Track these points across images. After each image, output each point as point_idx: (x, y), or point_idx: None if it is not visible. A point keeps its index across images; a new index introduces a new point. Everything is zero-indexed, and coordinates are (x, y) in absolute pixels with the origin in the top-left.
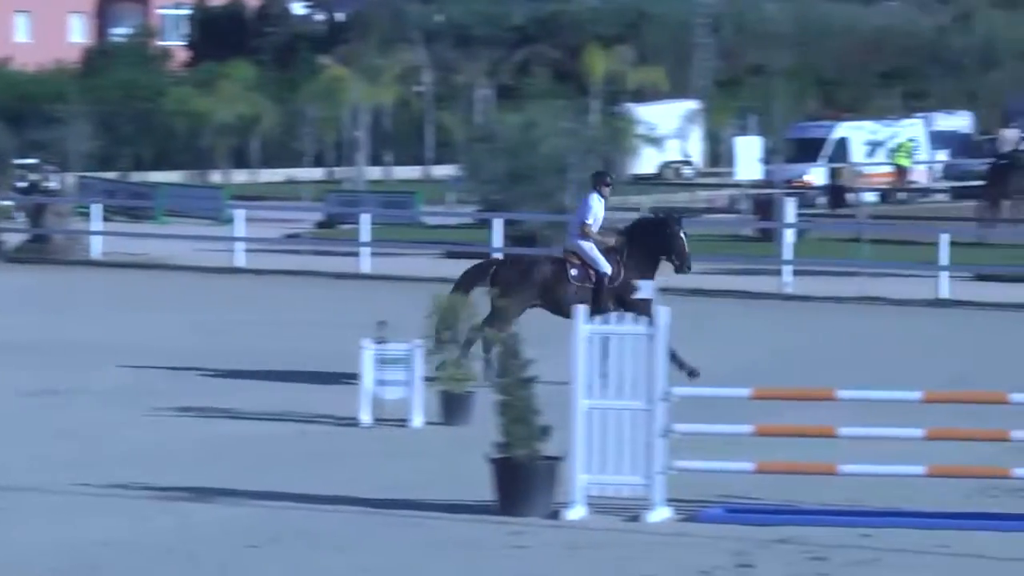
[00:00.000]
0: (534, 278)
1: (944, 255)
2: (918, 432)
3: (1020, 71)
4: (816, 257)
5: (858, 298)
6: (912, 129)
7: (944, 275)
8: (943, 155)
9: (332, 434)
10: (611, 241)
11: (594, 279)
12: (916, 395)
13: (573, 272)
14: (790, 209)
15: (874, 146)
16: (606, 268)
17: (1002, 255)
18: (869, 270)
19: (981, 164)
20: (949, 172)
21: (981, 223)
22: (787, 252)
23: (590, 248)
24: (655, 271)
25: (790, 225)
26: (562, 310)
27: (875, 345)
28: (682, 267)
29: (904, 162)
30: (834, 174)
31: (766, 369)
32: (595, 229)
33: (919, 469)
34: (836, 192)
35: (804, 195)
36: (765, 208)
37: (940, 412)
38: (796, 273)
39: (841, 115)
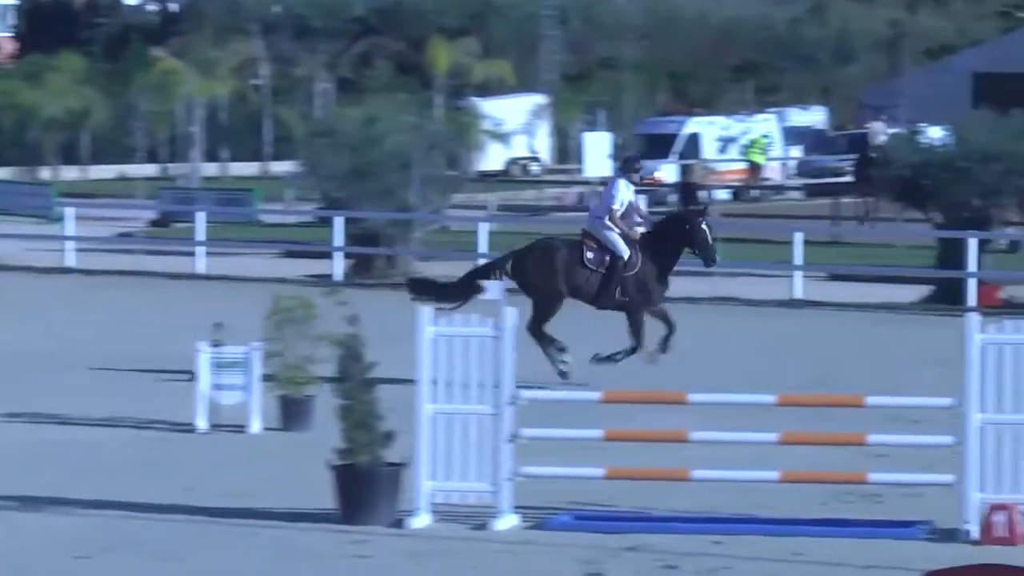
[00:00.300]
0: (555, 264)
1: (798, 254)
2: (772, 436)
3: (874, 65)
4: None
5: (711, 298)
6: (765, 125)
7: (798, 275)
8: (797, 151)
9: (167, 440)
10: (638, 234)
11: (609, 263)
12: (770, 398)
13: (589, 255)
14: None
15: (726, 142)
16: (624, 252)
17: (856, 255)
18: (722, 270)
19: (836, 161)
20: (803, 169)
21: (856, 220)
22: None
23: (610, 233)
24: (675, 263)
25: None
26: (578, 295)
27: (729, 347)
28: (707, 259)
29: (757, 159)
30: (685, 171)
31: (617, 372)
32: (621, 214)
33: (773, 475)
34: (687, 189)
35: (655, 192)
36: None
37: (795, 416)
38: None
39: (692, 110)
